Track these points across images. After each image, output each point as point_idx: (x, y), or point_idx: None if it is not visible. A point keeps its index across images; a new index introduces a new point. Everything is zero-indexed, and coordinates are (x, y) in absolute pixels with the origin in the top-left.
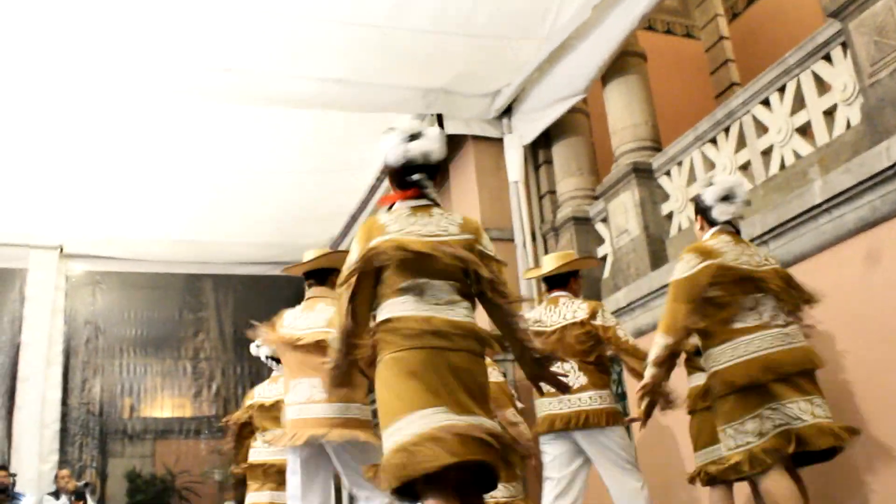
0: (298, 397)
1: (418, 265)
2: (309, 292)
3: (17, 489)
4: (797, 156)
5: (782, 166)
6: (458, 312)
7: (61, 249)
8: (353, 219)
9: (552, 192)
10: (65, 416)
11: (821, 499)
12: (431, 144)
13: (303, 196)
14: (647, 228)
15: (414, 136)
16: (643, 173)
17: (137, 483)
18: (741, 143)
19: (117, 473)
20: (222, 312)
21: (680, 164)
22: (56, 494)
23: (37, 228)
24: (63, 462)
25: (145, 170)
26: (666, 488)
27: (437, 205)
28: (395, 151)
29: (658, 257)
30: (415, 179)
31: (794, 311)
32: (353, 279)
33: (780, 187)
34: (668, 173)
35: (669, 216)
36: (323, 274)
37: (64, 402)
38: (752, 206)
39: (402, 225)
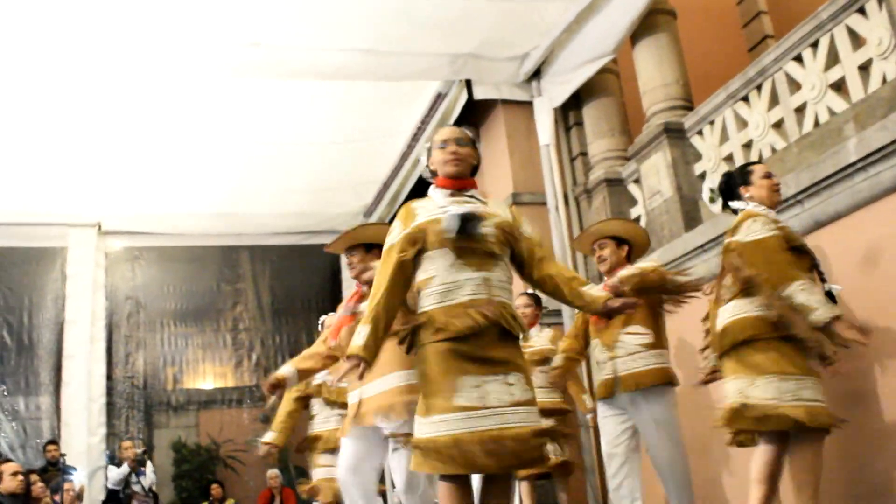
0: None
1: None
2: None
3: (68, 463)
4: (831, 112)
5: (816, 124)
6: None
7: (99, 227)
8: (385, 186)
9: (584, 154)
10: (110, 391)
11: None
12: None
13: (335, 165)
14: (679, 189)
15: None
16: (675, 133)
17: (183, 453)
18: (774, 100)
19: (163, 444)
20: (259, 283)
21: (712, 123)
22: (117, 464)
23: (75, 207)
24: (111, 434)
25: (179, 145)
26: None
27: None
28: None
29: (691, 218)
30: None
31: None
32: None
33: (814, 145)
34: (700, 133)
35: (702, 176)
36: (367, 248)
37: (109, 377)
38: (786, 165)
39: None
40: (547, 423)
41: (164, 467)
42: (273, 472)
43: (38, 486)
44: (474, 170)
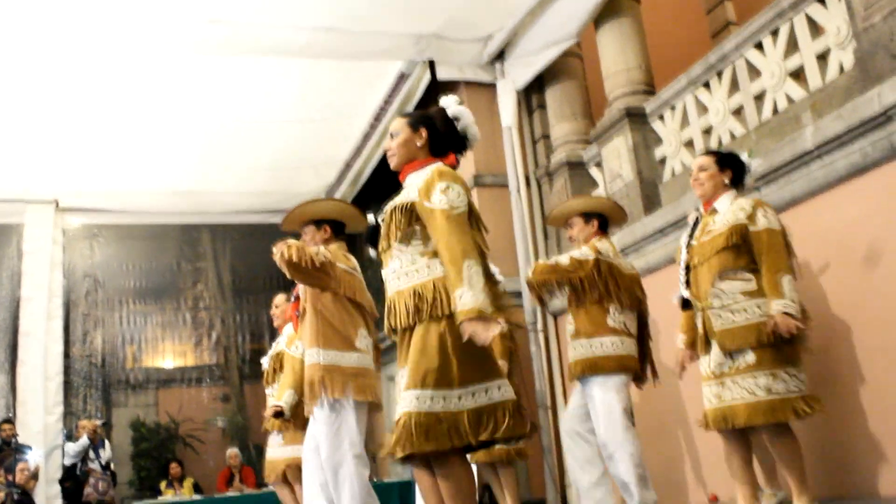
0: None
1: None
2: None
3: (24, 441)
4: (790, 100)
5: (775, 111)
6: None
7: (57, 203)
8: (348, 166)
9: (546, 136)
10: (67, 369)
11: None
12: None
13: (297, 144)
14: (640, 173)
15: None
16: (636, 118)
17: (142, 431)
18: (734, 86)
19: (122, 423)
20: (220, 262)
21: (673, 108)
22: (74, 441)
23: (32, 183)
24: (68, 413)
25: (139, 122)
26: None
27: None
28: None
29: (651, 202)
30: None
31: None
32: None
33: (772, 132)
34: (661, 117)
35: (663, 161)
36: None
37: (66, 355)
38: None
39: None
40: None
41: (123, 446)
42: (233, 451)
43: None
44: (435, 143)
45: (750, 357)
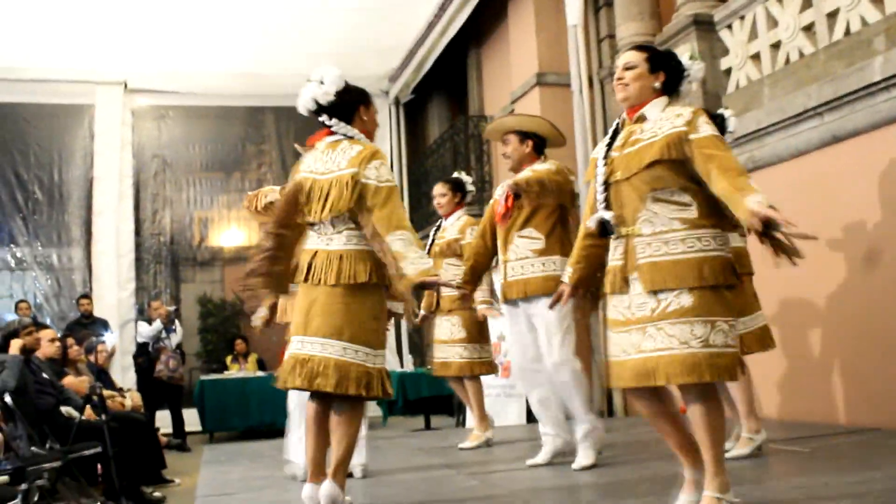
0: None
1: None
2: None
3: (99, 315)
4: (864, 22)
5: (847, 32)
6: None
7: (125, 85)
8: (411, 53)
9: (611, 36)
10: (138, 247)
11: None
12: (323, 89)
13: (360, 29)
14: (704, 84)
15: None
16: (704, 25)
17: (209, 307)
18: (807, 2)
19: (189, 299)
20: (283, 144)
21: (742, 18)
22: (148, 321)
23: (101, 64)
24: (139, 289)
25: (205, 4)
26: None
27: (349, 138)
28: (304, 100)
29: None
30: (321, 121)
31: None
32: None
33: (842, 54)
34: (729, 27)
35: (728, 72)
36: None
37: (137, 233)
38: (811, 72)
39: (308, 164)
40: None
41: (191, 320)
42: None
43: (74, 350)
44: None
45: (685, 299)
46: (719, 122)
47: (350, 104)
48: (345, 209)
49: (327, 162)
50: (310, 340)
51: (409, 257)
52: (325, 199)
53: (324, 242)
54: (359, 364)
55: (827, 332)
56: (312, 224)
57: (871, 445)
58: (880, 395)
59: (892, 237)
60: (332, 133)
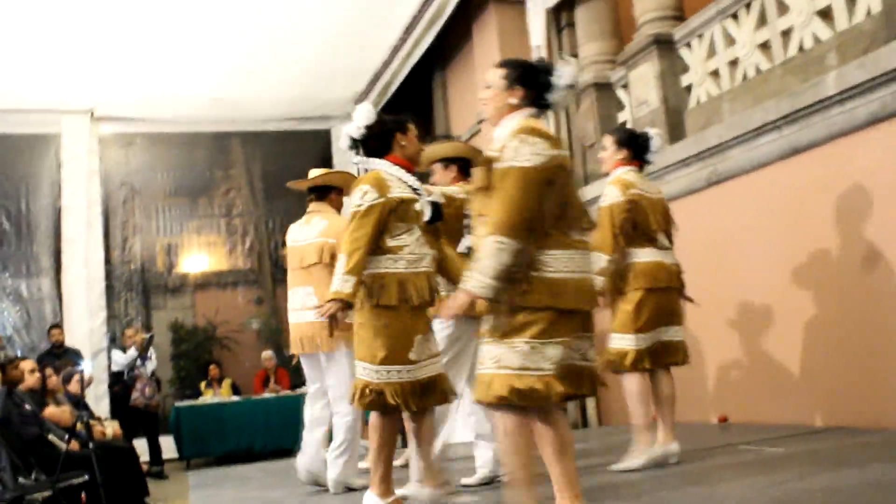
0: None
1: None
2: (309, 207)
3: (70, 345)
4: (816, 40)
5: (801, 49)
6: None
7: (92, 113)
8: (377, 76)
9: (574, 55)
10: (109, 274)
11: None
12: (354, 125)
13: (327, 54)
14: (666, 100)
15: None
16: (664, 44)
17: (181, 333)
18: (762, 20)
19: (161, 325)
20: (252, 169)
21: (701, 36)
22: (122, 349)
23: (68, 93)
24: (111, 317)
25: (171, 31)
26: None
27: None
28: (342, 139)
29: (676, 130)
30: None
31: None
32: None
33: (797, 70)
34: (688, 45)
35: (689, 88)
36: (323, 191)
37: (107, 261)
38: (769, 87)
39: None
40: None
41: (163, 347)
42: (268, 354)
43: (53, 380)
44: None
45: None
46: (643, 142)
47: (384, 134)
48: None
49: (354, 197)
50: None
51: None
52: None
53: None
54: (359, 379)
55: (796, 337)
56: None
57: (844, 444)
58: (851, 395)
59: (852, 243)
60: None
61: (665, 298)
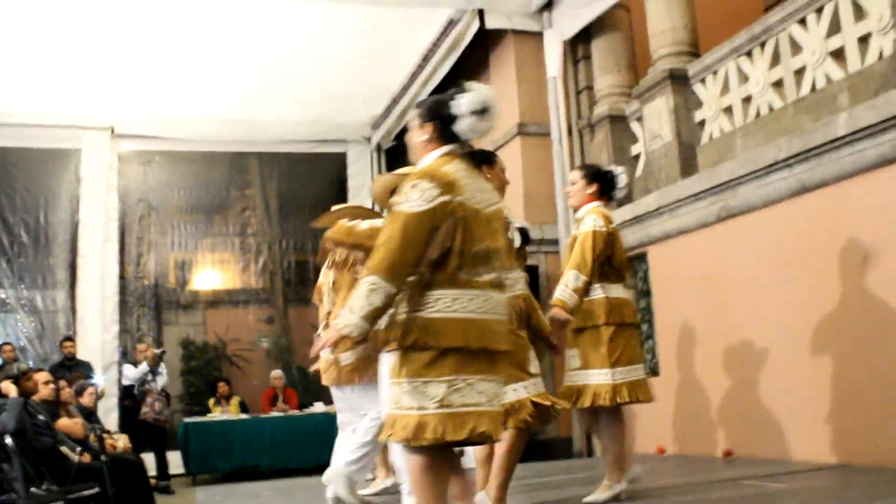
0: None
1: None
2: None
3: (83, 358)
4: (829, 80)
5: (813, 88)
6: None
7: (112, 130)
8: (395, 101)
9: (590, 87)
10: (123, 289)
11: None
12: None
13: (345, 79)
14: (679, 135)
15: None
16: (679, 80)
17: (191, 350)
18: (776, 59)
19: (172, 341)
20: (267, 189)
21: (715, 73)
22: (133, 364)
23: (89, 110)
24: (123, 331)
25: (194, 52)
26: None
27: None
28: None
29: (688, 164)
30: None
31: None
32: None
33: (809, 109)
34: (703, 81)
35: (702, 123)
36: None
37: (121, 276)
38: (781, 125)
39: None
40: None
41: (173, 363)
42: (277, 373)
43: (66, 392)
44: None
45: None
46: (610, 178)
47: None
48: None
49: None
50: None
51: None
52: None
53: None
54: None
55: (803, 373)
56: None
57: (846, 482)
58: (847, 433)
59: (859, 282)
60: None
61: (634, 335)
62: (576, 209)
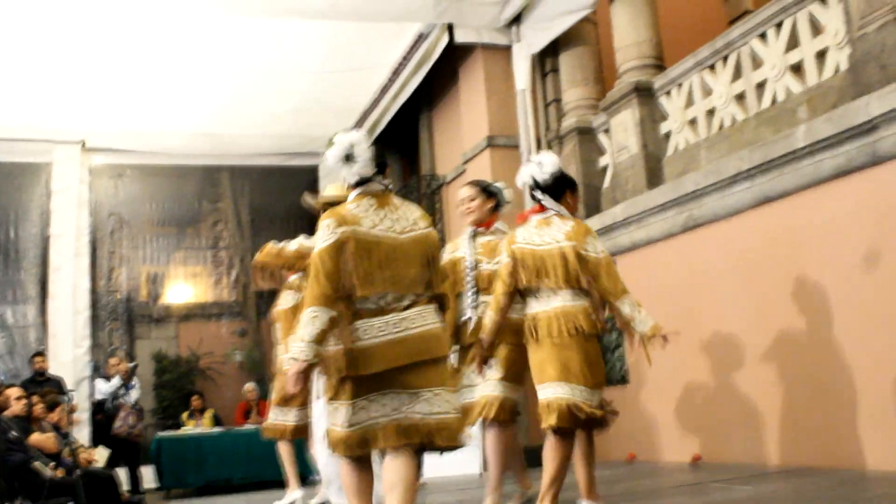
0: None
1: None
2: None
3: (54, 373)
4: (788, 93)
5: (774, 101)
6: None
7: (83, 144)
8: (365, 114)
9: (558, 100)
10: (94, 303)
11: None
12: (542, 170)
13: (317, 93)
14: (645, 147)
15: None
16: (644, 93)
17: (164, 363)
18: (738, 73)
19: (144, 355)
20: (239, 202)
21: (680, 86)
22: (106, 378)
23: (60, 123)
24: (95, 346)
25: (165, 66)
26: None
27: (560, 215)
28: (523, 176)
29: (655, 175)
30: (536, 197)
31: None
32: None
33: (771, 121)
34: (668, 94)
35: (667, 136)
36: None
37: (93, 290)
38: (744, 137)
39: (523, 236)
40: None
41: (146, 377)
42: (250, 386)
43: (39, 408)
44: None
45: None
46: (497, 193)
47: (561, 186)
48: (573, 277)
49: (543, 235)
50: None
51: (637, 318)
52: (555, 269)
53: (542, 304)
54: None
55: (767, 378)
56: (528, 289)
57: (813, 484)
58: (812, 436)
59: (818, 288)
60: (544, 209)
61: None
62: (477, 225)
